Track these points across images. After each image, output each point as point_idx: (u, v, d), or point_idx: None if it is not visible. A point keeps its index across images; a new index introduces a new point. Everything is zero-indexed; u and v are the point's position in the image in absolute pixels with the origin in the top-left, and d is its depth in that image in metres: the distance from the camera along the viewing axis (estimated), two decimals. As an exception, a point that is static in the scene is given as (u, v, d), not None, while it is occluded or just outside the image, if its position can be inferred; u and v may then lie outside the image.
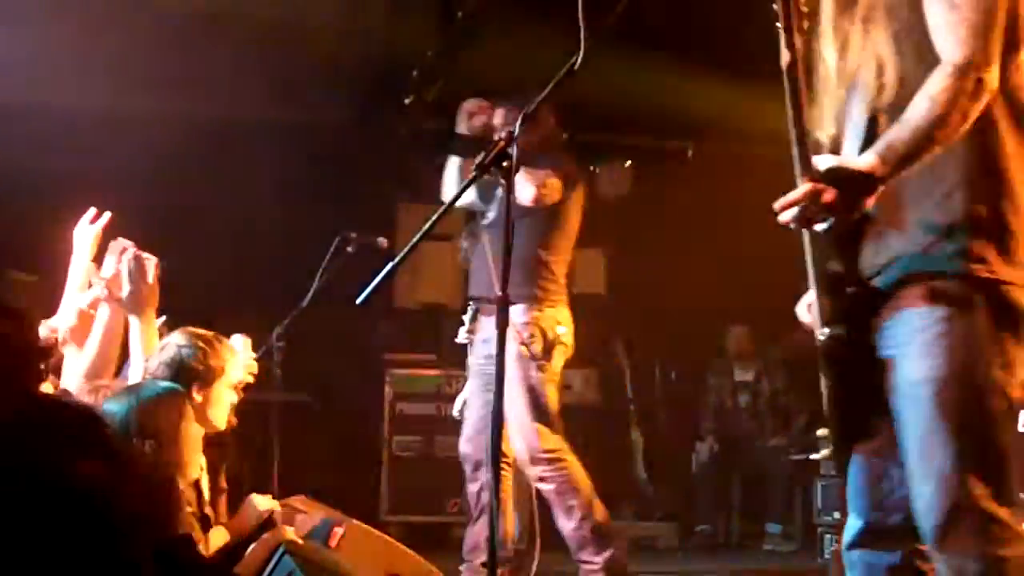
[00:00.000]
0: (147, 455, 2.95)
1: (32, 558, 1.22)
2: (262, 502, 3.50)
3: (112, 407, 3.05)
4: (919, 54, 2.40)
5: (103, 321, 3.58)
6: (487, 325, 5.01)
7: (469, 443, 5.12)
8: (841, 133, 2.59)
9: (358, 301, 2.65)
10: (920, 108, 2.31)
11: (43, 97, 6.44)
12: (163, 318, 3.87)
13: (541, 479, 4.84)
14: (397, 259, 2.71)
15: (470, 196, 5.08)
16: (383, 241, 5.56)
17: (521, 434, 4.84)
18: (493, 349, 4.84)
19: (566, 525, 4.78)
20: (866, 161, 2.33)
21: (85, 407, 2.15)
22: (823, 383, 2.52)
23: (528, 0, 6.07)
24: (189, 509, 3.22)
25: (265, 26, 6.05)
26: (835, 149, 2.59)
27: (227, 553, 3.32)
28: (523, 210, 4.82)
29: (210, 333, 3.64)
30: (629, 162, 8.47)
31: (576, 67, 2.55)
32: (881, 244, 2.45)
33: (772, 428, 8.06)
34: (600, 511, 4.83)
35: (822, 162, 2.46)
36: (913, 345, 2.38)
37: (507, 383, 4.77)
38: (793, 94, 2.44)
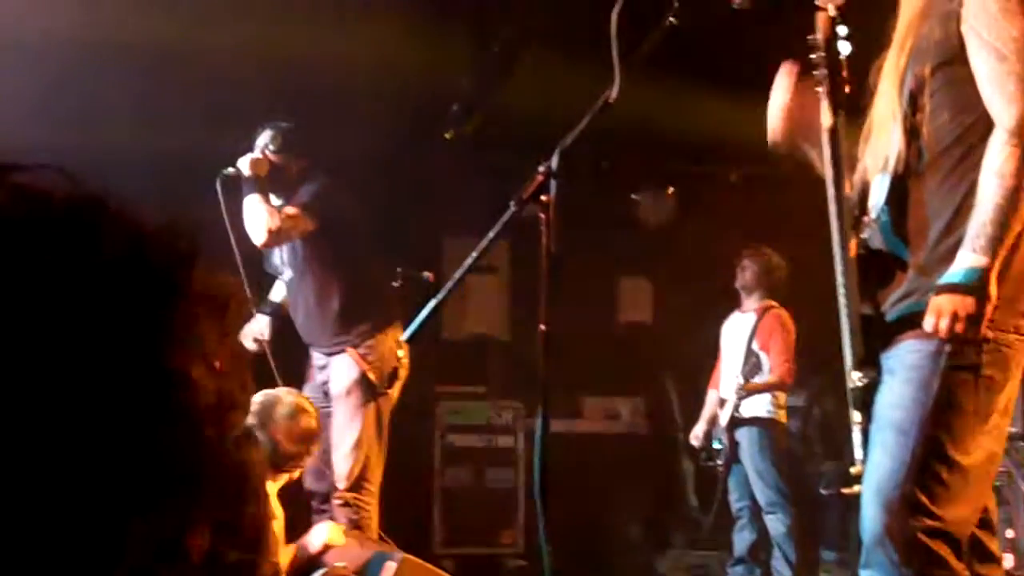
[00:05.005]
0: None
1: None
2: (327, 533, 3.56)
3: None
4: (960, 105, 2.42)
5: None
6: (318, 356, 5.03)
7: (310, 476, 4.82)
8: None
9: (403, 337, 2.68)
10: (991, 187, 2.30)
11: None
12: None
13: (347, 504, 4.71)
14: (441, 294, 2.73)
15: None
16: (429, 275, 5.58)
17: (355, 456, 4.74)
18: (327, 376, 4.85)
19: None
20: (962, 260, 2.32)
21: None
22: (857, 418, 2.55)
23: (563, 30, 6.10)
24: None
25: (303, 65, 6.12)
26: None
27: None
28: (315, 250, 4.85)
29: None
30: (672, 189, 8.45)
31: (611, 100, 2.56)
32: (904, 283, 2.48)
33: (824, 453, 7.97)
34: None
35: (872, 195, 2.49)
36: (899, 374, 2.42)
37: (352, 407, 4.76)
38: (834, 157, 2.46)
